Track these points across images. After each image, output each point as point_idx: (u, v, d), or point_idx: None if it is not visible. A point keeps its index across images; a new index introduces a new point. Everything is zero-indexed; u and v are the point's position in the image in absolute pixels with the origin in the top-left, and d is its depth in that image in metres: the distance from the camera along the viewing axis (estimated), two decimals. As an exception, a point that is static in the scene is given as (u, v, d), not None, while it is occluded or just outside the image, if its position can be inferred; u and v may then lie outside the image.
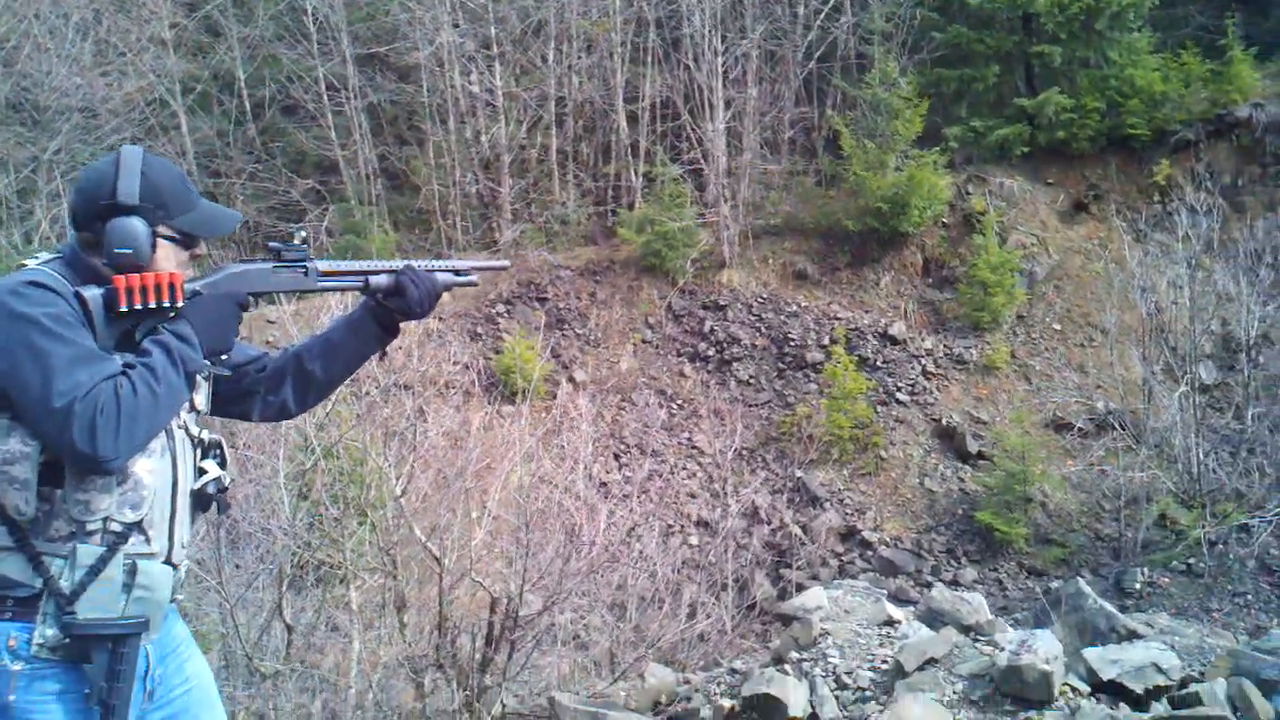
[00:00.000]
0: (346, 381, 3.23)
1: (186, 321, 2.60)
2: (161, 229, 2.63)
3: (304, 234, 2.98)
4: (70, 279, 2.52)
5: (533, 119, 22.52)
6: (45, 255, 2.62)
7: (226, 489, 2.85)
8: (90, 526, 2.48)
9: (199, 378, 2.75)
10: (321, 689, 7.67)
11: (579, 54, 22.73)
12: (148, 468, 2.58)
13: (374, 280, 2.97)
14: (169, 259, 2.65)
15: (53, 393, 2.33)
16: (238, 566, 7.89)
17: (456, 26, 22.02)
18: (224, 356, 2.83)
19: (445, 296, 17.78)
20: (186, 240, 2.71)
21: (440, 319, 18.18)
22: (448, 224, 22.22)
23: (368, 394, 9.09)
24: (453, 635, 7.83)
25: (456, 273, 3.21)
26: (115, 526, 2.51)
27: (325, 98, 22.58)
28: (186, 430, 2.75)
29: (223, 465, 2.85)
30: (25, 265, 2.56)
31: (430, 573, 7.97)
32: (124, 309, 2.52)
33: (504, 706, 7.99)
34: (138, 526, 2.56)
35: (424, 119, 22.74)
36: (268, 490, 8.20)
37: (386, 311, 3.01)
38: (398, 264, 3.04)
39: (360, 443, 8.46)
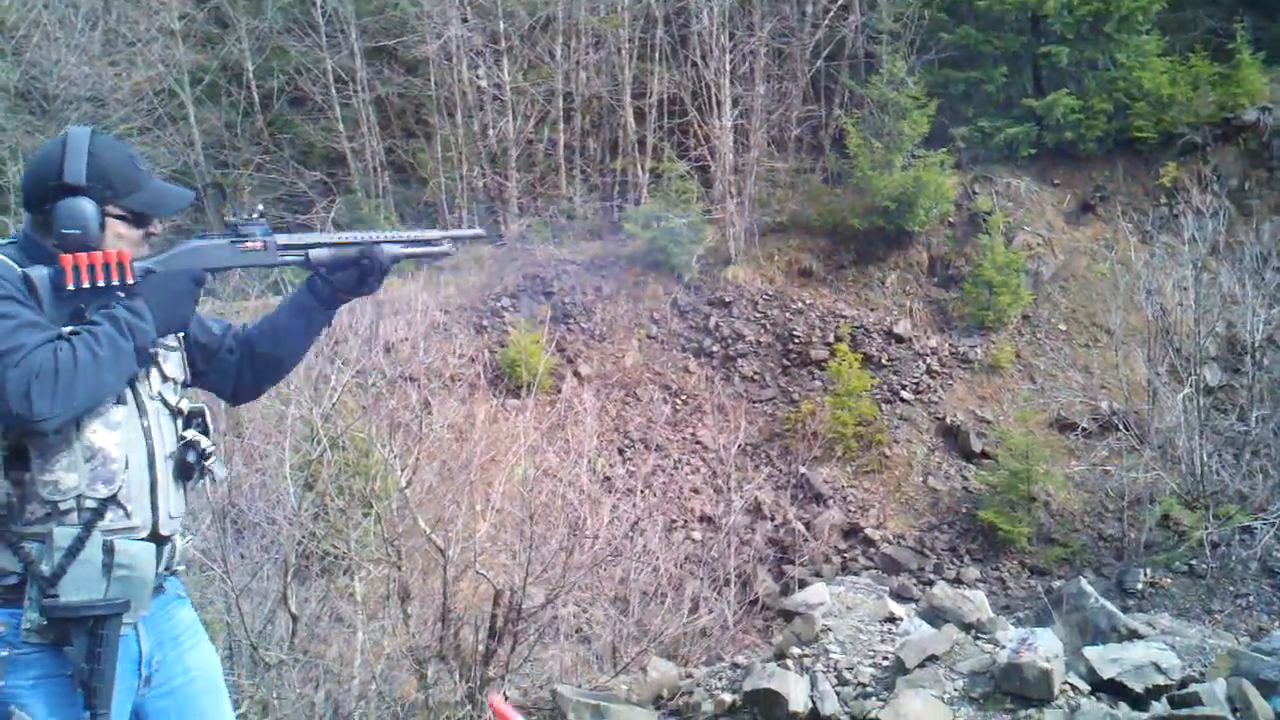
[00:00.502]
0: (303, 358, 3.22)
1: (140, 297, 2.60)
2: (110, 208, 2.63)
3: (261, 209, 2.97)
4: (20, 261, 2.54)
5: (540, 113, 22.54)
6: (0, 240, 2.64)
7: (209, 455, 2.82)
8: (64, 506, 2.49)
9: (162, 349, 2.75)
10: (325, 679, 7.69)
11: (587, 49, 22.74)
12: (114, 440, 2.57)
13: (314, 254, 2.95)
14: (120, 238, 2.65)
15: None
16: (243, 556, 7.90)
17: (465, 21, 22.03)
18: (217, 320, 2.88)
19: (451, 289, 17.75)
20: (137, 219, 2.70)
21: (446, 311, 18.21)
22: (454, 217, 22.24)
23: (374, 385, 9.14)
24: (456, 627, 7.87)
25: (428, 242, 3.15)
26: (89, 503, 2.51)
27: (333, 90, 22.62)
28: (162, 399, 2.75)
29: (204, 433, 2.84)
30: None
31: (434, 564, 8.01)
32: (71, 288, 2.52)
33: (506, 698, 8.02)
34: (113, 501, 2.56)
35: (432, 112, 22.77)
36: (273, 480, 8.23)
37: (329, 286, 3.00)
38: (348, 235, 3.01)
39: (366, 434, 8.50)
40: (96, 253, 2.55)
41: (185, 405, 2.83)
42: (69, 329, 2.48)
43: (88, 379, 2.42)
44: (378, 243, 3.00)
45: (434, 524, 7.98)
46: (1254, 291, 15.74)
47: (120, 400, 2.61)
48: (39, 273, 2.51)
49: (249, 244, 2.87)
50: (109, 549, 2.51)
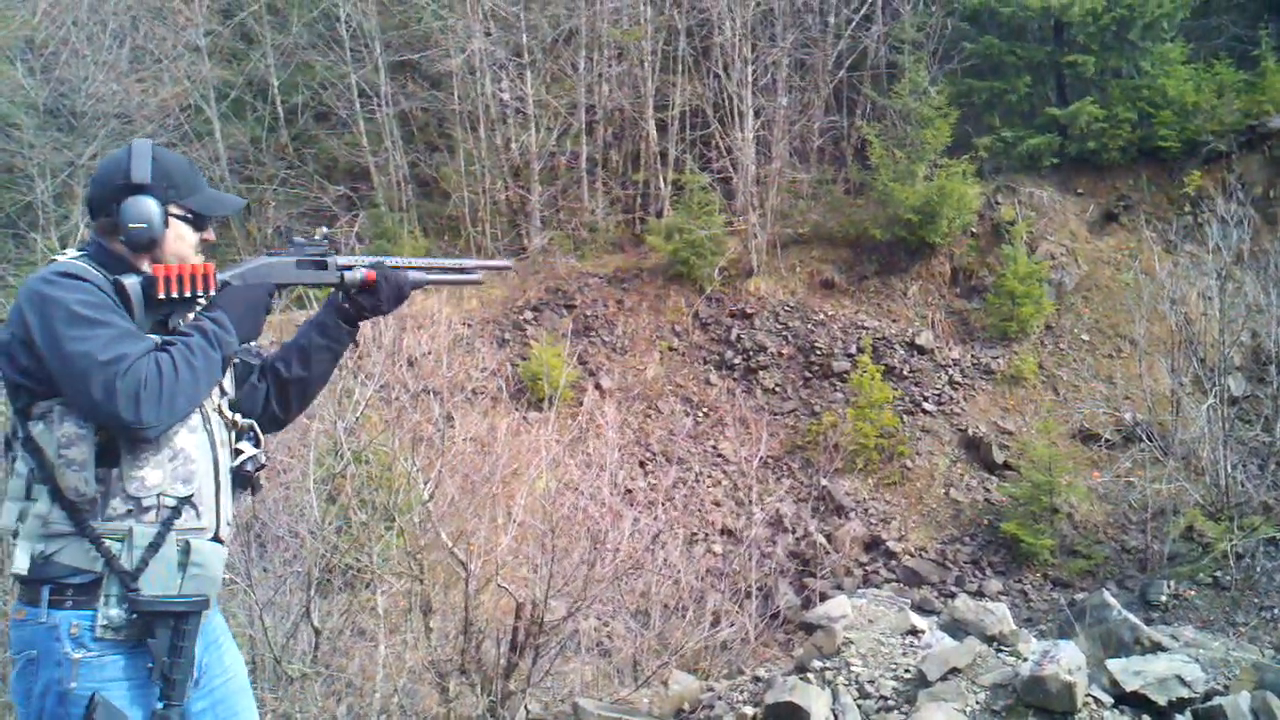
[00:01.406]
0: (328, 380, 3.35)
1: (221, 309, 2.75)
2: (172, 207, 2.78)
3: (324, 230, 3.13)
4: (99, 271, 2.66)
5: (563, 126, 22.61)
6: (72, 251, 2.76)
7: (264, 466, 2.97)
8: (146, 503, 2.61)
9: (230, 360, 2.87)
10: (347, 692, 7.74)
11: (609, 62, 22.80)
12: (193, 442, 2.72)
13: (349, 276, 3.07)
14: (180, 238, 2.81)
15: (95, 366, 2.45)
16: (266, 570, 7.95)
17: (488, 34, 22.14)
18: (254, 343, 2.99)
19: (474, 303, 17.81)
20: (196, 220, 2.86)
21: (468, 325, 18.27)
22: (477, 230, 22.34)
23: (396, 400, 9.18)
24: (478, 640, 7.91)
25: (462, 270, 3.34)
26: (169, 502, 2.64)
27: (357, 104, 22.76)
28: (220, 412, 2.88)
29: (257, 445, 2.98)
30: (55, 260, 2.69)
31: (456, 578, 8.06)
32: (162, 296, 2.67)
33: (528, 712, 8.05)
34: (189, 501, 2.68)
35: (455, 126, 22.87)
36: (297, 494, 8.28)
37: (355, 306, 3.12)
38: (402, 261, 3.17)
39: (389, 448, 8.54)
40: (186, 265, 2.71)
41: (239, 419, 2.96)
42: (163, 339, 2.63)
43: (187, 388, 2.57)
44: (452, 268, 3.26)
45: (456, 537, 8.03)
46: (1279, 300, 15.64)
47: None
48: (131, 280, 2.66)
49: (314, 267, 3.02)
50: (185, 548, 2.66)
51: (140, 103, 21.04)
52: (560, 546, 8.38)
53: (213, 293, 2.75)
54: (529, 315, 19.54)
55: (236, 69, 23.47)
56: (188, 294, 2.69)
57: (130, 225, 2.69)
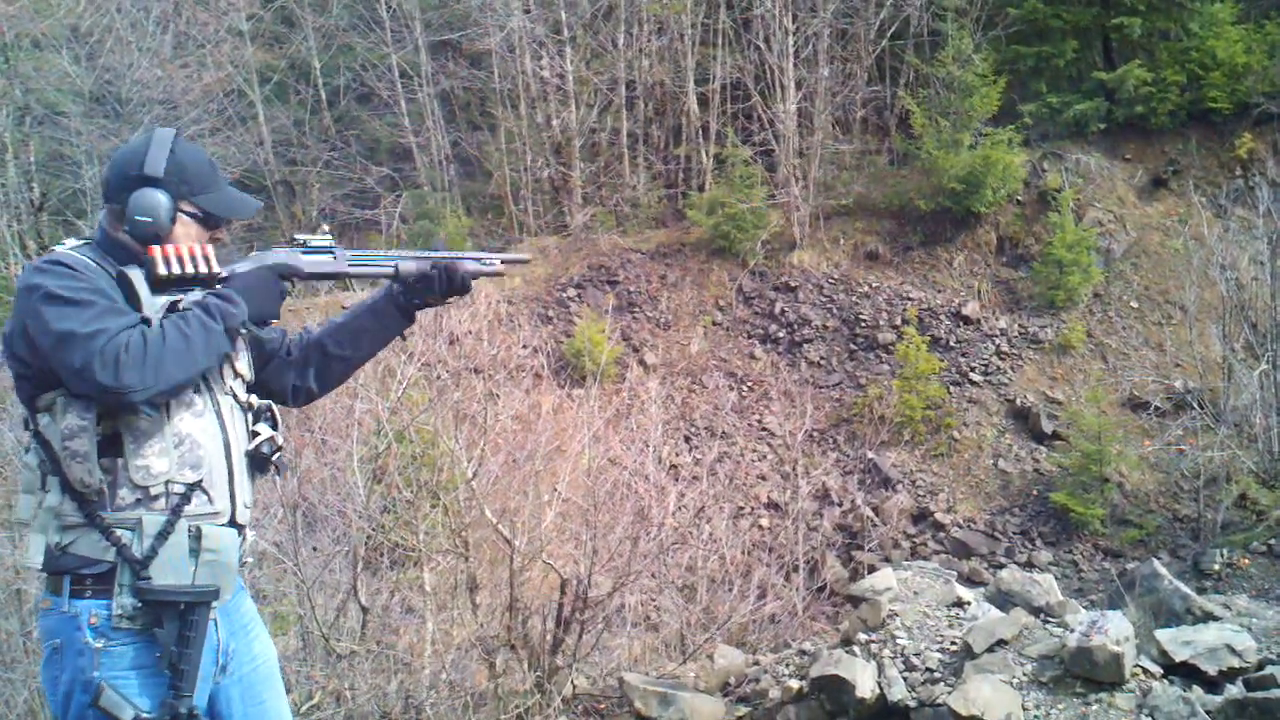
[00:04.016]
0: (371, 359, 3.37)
1: (231, 288, 2.75)
2: (183, 204, 2.75)
3: (327, 227, 3.16)
4: (102, 260, 2.66)
5: (603, 103, 22.58)
6: (73, 241, 2.75)
7: (281, 448, 2.94)
8: (154, 491, 2.61)
9: (240, 338, 2.85)
10: (397, 669, 7.80)
11: (649, 37, 22.73)
12: (199, 426, 2.71)
13: (403, 266, 3.09)
14: (188, 235, 2.76)
15: (76, 339, 2.45)
16: (314, 549, 8.02)
17: (528, 12, 22.14)
18: (272, 324, 2.97)
19: (517, 281, 17.88)
20: (206, 220, 2.82)
21: (511, 303, 18.34)
22: (519, 209, 22.40)
23: (439, 378, 9.22)
24: (524, 616, 7.94)
25: (480, 263, 3.32)
26: (177, 489, 2.64)
27: (399, 85, 22.87)
28: (234, 395, 2.86)
29: (274, 427, 2.95)
30: (53, 250, 2.68)
31: (501, 555, 8.08)
32: (163, 273, 2.66)
33: (574, 687, 8.09)
34: (198, 487, 2.68)
35: (496, 105, 22.91)
36: (342, 474, 8.35)
37: (409, 298, 3.15)
38: (423, 253, 3.16)
39: (432, 426, 8.58)
40: (180, 246, 2.70)
41: (255, 401, 2.94)
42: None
43: (178, 355, 2.55)
44: (455, 258, 3.17)
45: (500, 515, 8.05)
46: (1332, 264, 15.41)
47: (198, 390, 2.73)
48: (135, 271, 2.64)
49: (320, 255, 3.02)
50: (196, 534, 2.65)
51: (184, 88, 21.28)
52: (604, 522, 8.39)
53: (216, 270, 2.75)
54: (572, 292, 19.57)
55: (279, 52, 23.66)
56: (188, 270, 2.69)
57: (136, 218, 2.67)
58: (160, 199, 2.69)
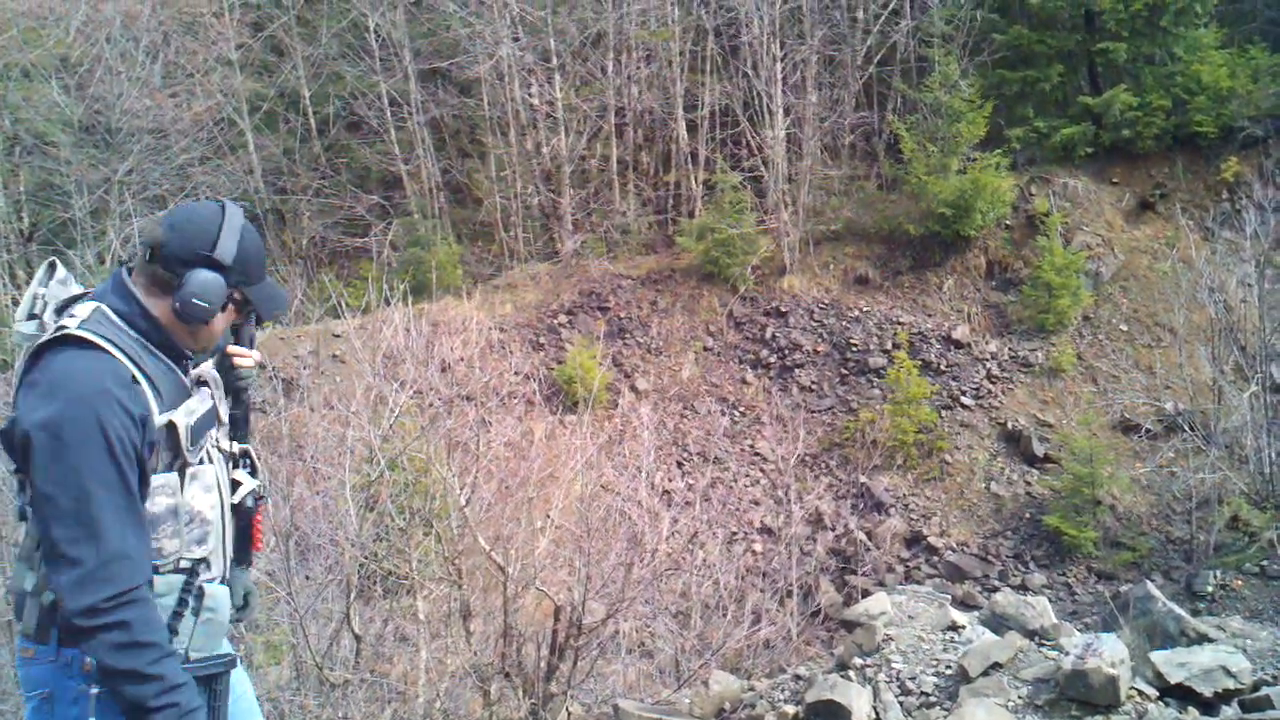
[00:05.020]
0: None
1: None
2: (234, 292, 2.69)
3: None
4: (116, 333, 2.53)
5: (593, 129, 22.65)
6: (89, 308, 2.56)
7: (263, 498, 2.91)
8: (164, 569, 2.56)
9: (217, 401, 2.78)
10: (390, 698, 7.77)
11: (638, 64, 22.82)
12: (209, 503, 2.67)
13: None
14: (224, 320, 2.74)
15: (83, 553, 2.35)
16: (307, 578, 8.01)
17: (516, 40, 22.20)
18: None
19: (508, 308, 17.81)
20: (245, 310, 2.78)
21: (502, 330, 18.34)
22: (510, 235, 22.43)
23: (431, 405, 9.21)
24: (518, 644, 7.92)
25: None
26: (184, 564, 2.60)
27: (388, 113, 22.90)
28: (217, 446, 2.78)
29: (253, 474, 2.91)
30: (65, 327, 2.48)
31: (495, 582, 8.06)
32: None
33: (569, 714, 8.06)
34: (204, 561, 2.66)
35: (485, 132, 22.97)
36: (335, 502, 8.33)
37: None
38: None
39: (424, 454, 8.57)
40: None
41: (235, 448, 2.89)
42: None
43: (129, 647, 2.39)
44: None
45: (494, 542, 8.04)
46: (1320, 286, 15.49)
47: (207, 459, 2.68)
48: (183, 419, 2.56)
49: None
50: (199, 594, 2.62)
51: (174, 117, 21.28)
52: (598, 548, 8.39)
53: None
54: (563, 319, 19.58)
55: (268, 81, 23.67)
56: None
57: (194, 300, 2.57)
58: (221, 285, 2.62)
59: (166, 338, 2.63)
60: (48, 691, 2.53)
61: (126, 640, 2.37)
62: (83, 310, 2.54)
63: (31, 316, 2.57)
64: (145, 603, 2.41)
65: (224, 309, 2.67)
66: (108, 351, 2.47)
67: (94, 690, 2.48)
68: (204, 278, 2.59)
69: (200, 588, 2.62)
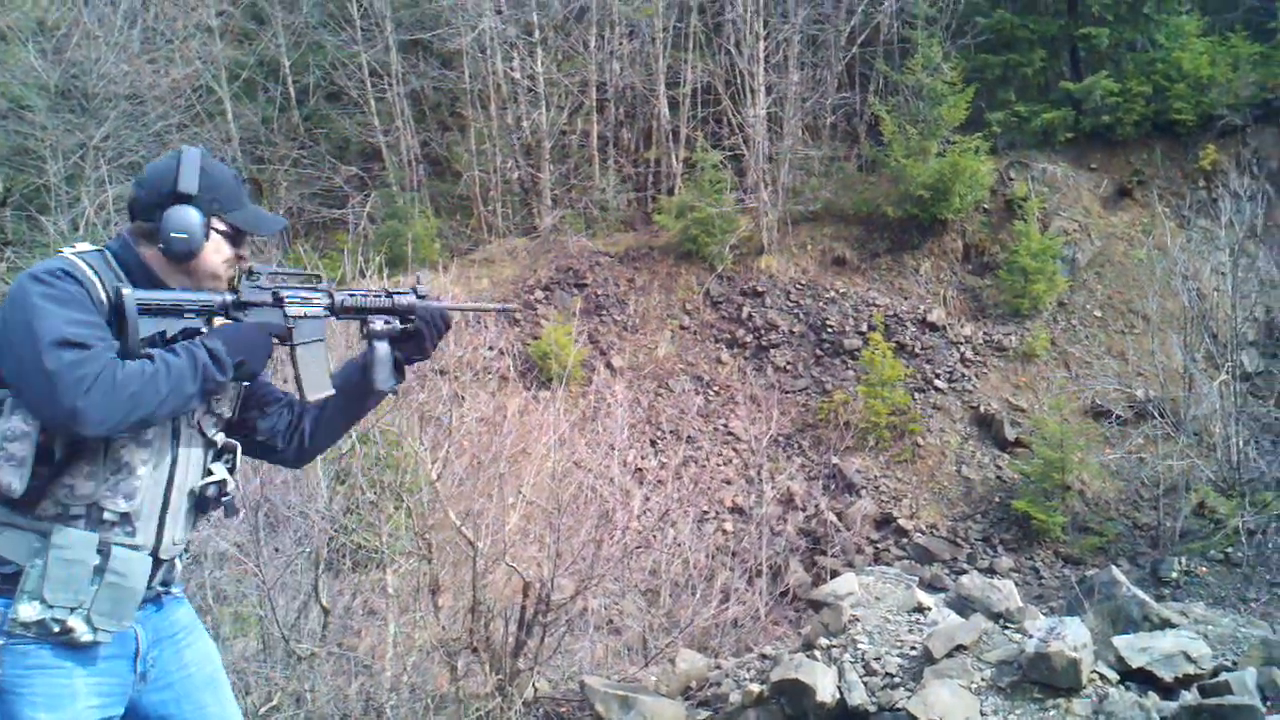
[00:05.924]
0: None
1: (222, 339, 2.67)
2: (215, 221, 2.75)
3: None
4: (110, 273, 2.61)
5: (574, 105, 22.59)
6: (85, 246, 2.69)
7: (229, 494, 2.89)
8: (74, 511, 2.54)
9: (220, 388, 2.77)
10: (358, 671, 7.77)
11: (621, 40, 22.76)
12: (141, 457, 2.63)
13: (373, 326, 3.04)
14: (218, 252, 2.77)
15: (44, 359, 2.38)
16: (276, 550, 7.98)
17: (499, 13, 22.11)
18: (253, 380, 2.90)
19: (484, 282, 17.78)
20: (235, 236, 2.81)
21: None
22: (488, 210, 22.37)
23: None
24: (486, 619, 7.93)
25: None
26: (108, 516, 2.58)
27: (368, 84, 22.79)
28: (200, 430, 2.81)
29: (232, 470, 2.91)
30: (62, 253, 2.62)
31: (465, 557, 8.06)
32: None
33: (536, 690, 8.10)
34: (125, 517, 2.62)
35: (466, 105, 22.88)
36: (305, 475, 8.31)
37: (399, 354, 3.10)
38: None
39: (396, 427, 8.56)
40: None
41: (220, 439, 2.90)
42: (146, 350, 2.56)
43: (143, 400, 2.47)
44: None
45: (464, 517, 8.03)
46: (1292, 276, 15.61)
47: (173, 434, 2.71)
48: (128, 292, 2.57)
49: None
50: (105, 552, 2.58)
51: (152, 84, 21.06)
52: (568, 525, 8.39)
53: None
54: (540, 294, 19.56)
55: (248, 49, 23.49)
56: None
57: (172, 234, 2.66)
58: (195, 216, 2.69)
59: (160, 284, 2.70)
60: None
61: (154, 389, 2.50)
62: (84, 247, 2.67)
63: None
64: (116, 364, 2.45)
65: (208, 238, 2.73)
66: (77, 266, 2.56)
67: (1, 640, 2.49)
68: (176, 212, 2.67)
69: (109, 547, 2.58)
